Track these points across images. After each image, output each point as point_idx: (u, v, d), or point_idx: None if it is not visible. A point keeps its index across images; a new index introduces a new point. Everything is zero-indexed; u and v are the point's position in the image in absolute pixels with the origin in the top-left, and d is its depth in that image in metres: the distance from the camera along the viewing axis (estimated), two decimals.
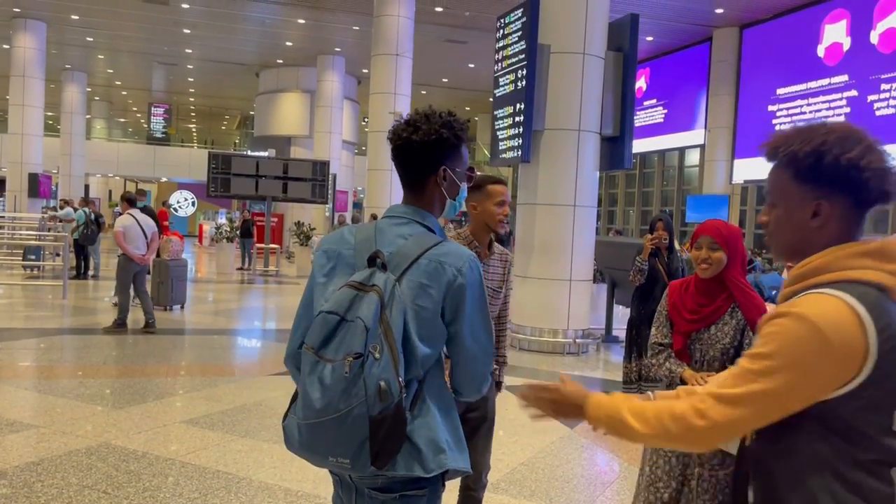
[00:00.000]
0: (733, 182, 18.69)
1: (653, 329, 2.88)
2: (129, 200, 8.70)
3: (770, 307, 1.76)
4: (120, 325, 8.25)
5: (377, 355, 1.51)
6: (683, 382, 2.61)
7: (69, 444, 4.35)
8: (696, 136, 20.15)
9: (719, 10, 17.27)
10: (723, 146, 18.85)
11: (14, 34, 21.16)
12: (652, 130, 21.78)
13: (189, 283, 10.62)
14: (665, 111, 21.52)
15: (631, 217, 25.80)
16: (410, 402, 1.60)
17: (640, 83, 21.74)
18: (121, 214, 8.56)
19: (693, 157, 21.88)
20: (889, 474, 1.20)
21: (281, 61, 24.50)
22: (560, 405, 1.45)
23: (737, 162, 18.44)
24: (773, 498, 1.28)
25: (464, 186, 1.83)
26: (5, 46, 22.27)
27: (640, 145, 20.66)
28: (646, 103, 22.08)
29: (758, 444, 1.33)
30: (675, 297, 2.81)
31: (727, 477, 2.48)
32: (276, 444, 4.50)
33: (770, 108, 17.41)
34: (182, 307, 10.37)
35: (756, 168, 17.05)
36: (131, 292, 8.49)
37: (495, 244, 2.98)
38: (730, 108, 18.72)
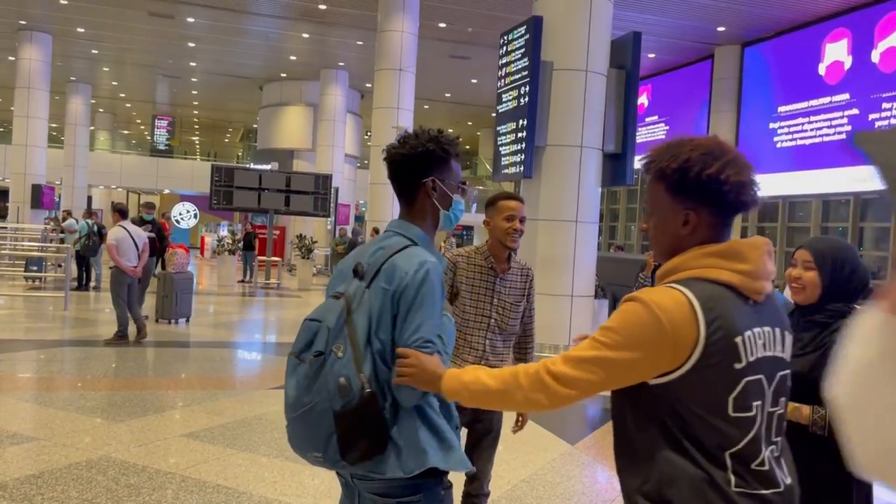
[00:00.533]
0: None
1: None
2: (121, 212, 8.58)
3: None
4: (121, 338, 8.24)
5: (340, 354, 1.64)
6: None
7: (69, 457, 4.35)
8: None
9: (721, 29, 17.37)
10: None
11: (20, 46, 21.29)
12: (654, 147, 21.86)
13: (192, 295, 10.61)
14: (667, 128, 21.58)
15: (632, 233, 25.82)
16: (392, 404, 1.68)
17: (642, 100, 21.83)
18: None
19: None
20: (724, 456, 1.32)
21: (284, 75, 24.63)
22: (419, 374, 1.60)
23: None
24: (625, 470, 1.43)
25: (457, 198, 1.91)
26: (11, 58, 22.42)
27: (641, 162, 20.63)
28: (647, 120, 22.16)
29: (614, 426, 1.46)
30: None
31: None
32: (276, 459, 4.50)
33: (771, 125, 17.46)
34: (187, 321, 10.32)
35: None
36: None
37: (516, 259, 2.99)
38: (731, 126, 18.76)
